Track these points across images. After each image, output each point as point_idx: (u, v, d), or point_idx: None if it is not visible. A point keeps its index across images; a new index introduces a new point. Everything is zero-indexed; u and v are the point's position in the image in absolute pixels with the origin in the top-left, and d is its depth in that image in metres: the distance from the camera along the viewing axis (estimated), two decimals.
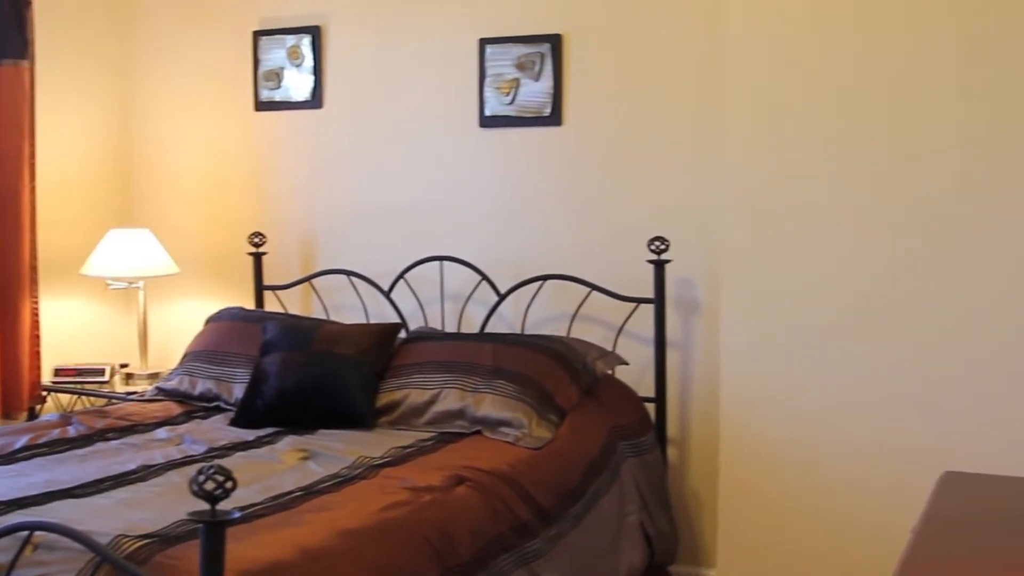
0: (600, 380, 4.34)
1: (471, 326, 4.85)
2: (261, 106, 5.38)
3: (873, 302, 3.95)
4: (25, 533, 2.63)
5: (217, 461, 3.54)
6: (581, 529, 3.73)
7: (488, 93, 4.88)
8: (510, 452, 3.78)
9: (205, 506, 2.27)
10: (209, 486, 2.25)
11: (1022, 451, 3.68)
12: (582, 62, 4.72)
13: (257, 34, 5.35)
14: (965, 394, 3.83)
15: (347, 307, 5.07)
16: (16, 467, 3.57)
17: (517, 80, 4.82)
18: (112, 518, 2.95)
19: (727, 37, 4.16)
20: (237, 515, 2.33)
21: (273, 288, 5.21)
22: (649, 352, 4.53)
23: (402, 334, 4.61)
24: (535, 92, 4.80)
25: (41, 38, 5.03)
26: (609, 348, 4.55)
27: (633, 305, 4.52)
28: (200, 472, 2.25)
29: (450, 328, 4.87)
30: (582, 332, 4.62)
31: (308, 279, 5.16)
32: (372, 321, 4.92)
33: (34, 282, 5.00)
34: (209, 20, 5.49)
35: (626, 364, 4.52)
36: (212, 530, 2.27)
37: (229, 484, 2.27)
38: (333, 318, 4.96)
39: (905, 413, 3.92)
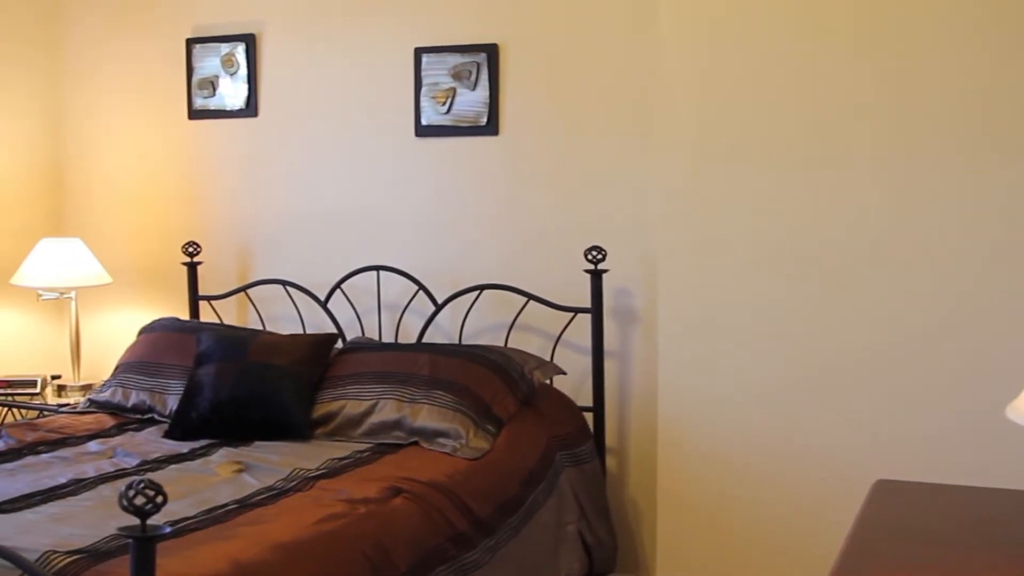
0: (538, 390, 4.33)
1: (408, 336, 4.83)
2: (195, 114, 5.33)
3: (809, 310, 3.98)
4: None
5: (150, 474, 3.53)
6: (519, 539, 3.72)
7: (424, 102, 4.86)
8: (447, 463, 3.76)
9: (135, 521, 2.23)
10: (139, 501, 2.22)
11: (955, 459, 3.72)
12: (518, 71, 4.72)
13: (191, 41, 5.29)
14: (900, 403, 3.87)
15: (283, 317, 5.03)
16: None
17: (453, 89, 4.81)
18: (41, 533, 2.90)
19: (660, 45, 4.17)
20: (167, 530, 2.29)
21: (208, 298, 5.15)
22: (587, 361, 4.53)
23: (339, 344, 4.58)
24: (471, 101, 4.79)
25: None
26: (547, 358, 4.55)
27: (570, 315, 4.52)
28: (129, 487, 2.21)
29: (387, 338, 4.85)
30: (520, 342, 4.61)
31: (243, 289, 5.11)
32: (309, 331, 4.89)
33: None
34: (142, 28, 5.42)
35: (564, 374, 4.52)
36: (142, 545, 2.24)
37: (159, 499, 2.23)
38: (269, 328, 4.92)
39: (842, 422, 3.95)
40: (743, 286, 4.05)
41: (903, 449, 3.84)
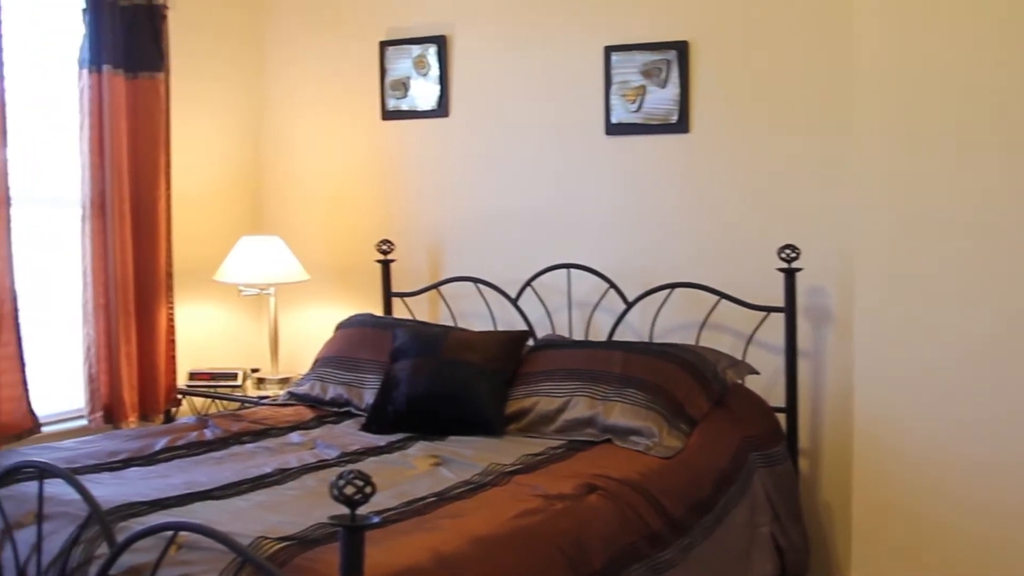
0: (730, 390, 4.29)
1: (598, 334, 4.84)
2: (388, 115, 5.44)
3: (1019, 305, 3.82)
4: (170, 533, 2.68)
5: (350, 466, 3.61)
6: (712, 540, 3.69)
7: (614, 100, 4.86)
8: (641, 461, 3.76)
9: (344, 510, 2.29)
10: (349, 491, 2.28)
11: None
12: (709, 68, 4.67)
13: (384, 44, 5.41)
14: None
15: (473, 314, 5.10)
16: (156, 468, 3.67)
17: (643, 87, 4.80)
18: (251, 520, 3.01)
19: (856, 39, 4.08)
20: (376, 520, 2.34)
21: (401, 295, 5.26)
22: (779, 361, 4.47)
23: (529, 342, 4.62)
24: (661, 99, 4.77)
25: (175, 50, 5.15)
26: (738, 357, 4.50)
27: (763, 314, 4.46)
28: (340, 477, 2.28)
29: (577, 336, 4.86)
30: (710, 341, 4.57)
31: (436, 286, 5.20)
32: (499, 328, 4.94)
33: (170, 288, 5.12)
34: (337, 30, 5.57)
35: (757, 373, 4.46)
36: (352, 534, 2.29)
37: (368, 489, 2.29)
38: (460, 325, 4.99)
39: None
40: (945, 285, 3.92)
41: None
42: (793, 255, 4.35)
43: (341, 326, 4.98)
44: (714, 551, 3.69)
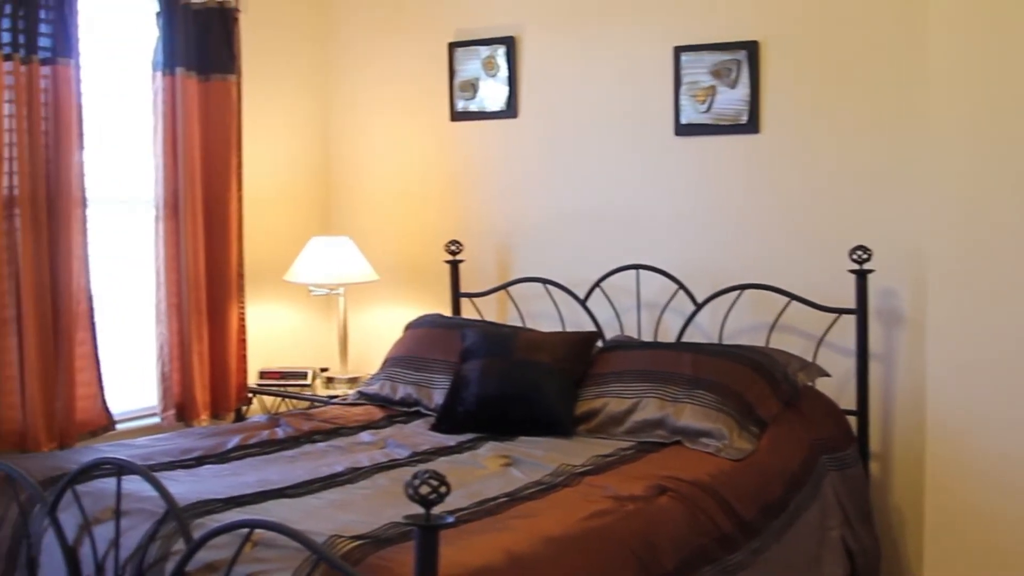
0: (801, 392, 4.26)
1: (667, 335, 4.82)
2: (457, 116, 5.46)
3: None
4: (245, 530, 2.71)
5: (422, 466, 3.63)
6: (783, 543, 3.68)
7: (683, 101, 4.84)
8: (711, 463, 3.75)
9: (419, 509, 2.31)
10: (424, 490, 2.30)
11: None
12: (779, 68, 4.64)
13: (452, 45, 5.43)
14: None
15: (541, 314, 5.10)
16: (229, 466, 3.71)
17: (713, 87, 4.77)
18: (324, 519, 3.03)
19: (930, 39, 4.03)
20: (451, 520, 2.36)
21: (469, 295, 5.28)
22: (850, 364, 4.44)
23: (598, 342, 4.62)
24: (731, 99, 4.74)
25: (245, 51, 5.21)
26: (808, 359, 4.46)
27: (834, 316, 4.43)
28: (415, 476, 2.30)
29: (646, 337, 4.85)
30: (780, 342, 4.54)
31: (504, 287, 5.21)
32: (567, 329, 4.94)
33: (241, 288, 5.18)
34: (405, 31, 5.60)
35: (828, 376, 4.43)
36: (427, 534, 2.31)
37: (443, 489, 2.31)
38: (529, 325, 5.00)
39: None
40: (1019, 283, 3.85)
41: None
42: (864, 256, 4.31)
43: (410, 326, 5.01)
44: (784, 554, 3.67)
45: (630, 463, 3.74)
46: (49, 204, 4.42)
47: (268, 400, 5.38)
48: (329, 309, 5.67)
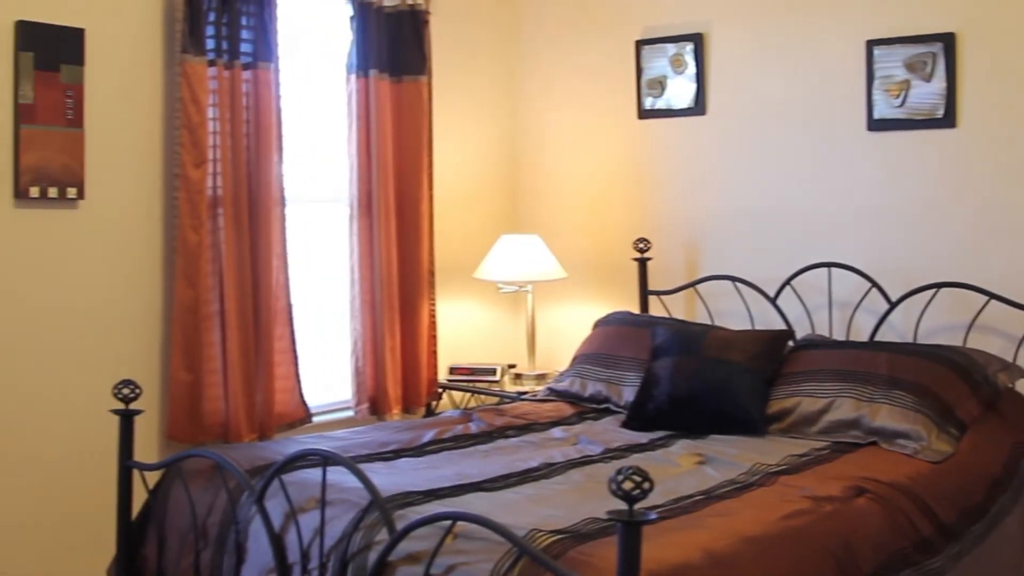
0: (1002, 394, 4.15)
1: (859, 335, 4.74)
2: (644, 114, 5.47)
3: None
4: (447, 522, 2.77)
5: (615, 463, 3.65)
6: (984, 548, 3.58)
7: (876, 96, 4.75)
8: (909, 465, 3.68)
9: (620, 505, 2.32)
10: (627, 486, 2.31)
11: None
12: (978, 60, 4.51)
13: (640, 43, 5.44)
14: None
15: (730, 312, 5.07)
16: (426, 460, 3.79)
17: (907, 81, 4.67)
18: (522, 513, 3.07)
19: None
20: (653, 516, 2.37)
21: (658, 293, 5.28)
22: None
23: (790, 341, 4.56)
24: (926, 93, 4.63)
25: (435, 52, 5.32)
26: (1009, 360, 4.33)
27: None
28: (619, 472, 2.31)
29: (837, 336, 4.78)
30: (977, 342, 4.42)
31: (693, 284, 5.20)
32: (757, 327, 4.90)
33: (432, 285, 5.29)
34: (592, 29, 5.63)
35: None
36: (630, 529, 2.33)
37: (646, 485, 2.32)
38: (717, 323, 4.97)
39: None
40: None
41: None
42: None
43: (599, 324, 5.04)
44: (985, 560, 3.58)
45: (826, 463, 3.69)
46: (250, 204, 4.60)
47: (457, 395, 5.47)
48: (517, 306, 5.73)
